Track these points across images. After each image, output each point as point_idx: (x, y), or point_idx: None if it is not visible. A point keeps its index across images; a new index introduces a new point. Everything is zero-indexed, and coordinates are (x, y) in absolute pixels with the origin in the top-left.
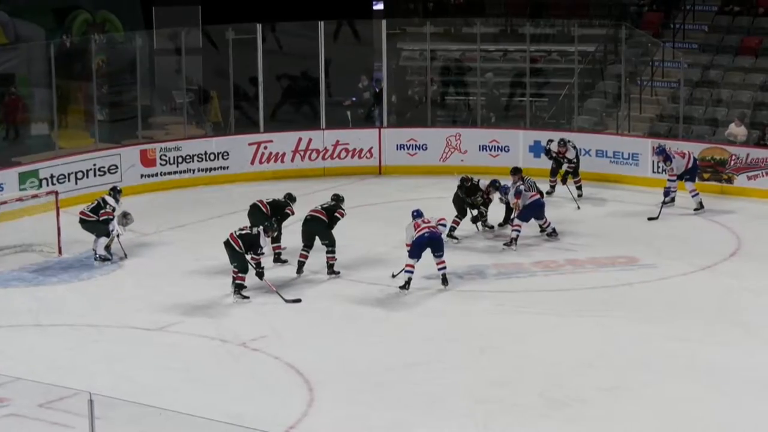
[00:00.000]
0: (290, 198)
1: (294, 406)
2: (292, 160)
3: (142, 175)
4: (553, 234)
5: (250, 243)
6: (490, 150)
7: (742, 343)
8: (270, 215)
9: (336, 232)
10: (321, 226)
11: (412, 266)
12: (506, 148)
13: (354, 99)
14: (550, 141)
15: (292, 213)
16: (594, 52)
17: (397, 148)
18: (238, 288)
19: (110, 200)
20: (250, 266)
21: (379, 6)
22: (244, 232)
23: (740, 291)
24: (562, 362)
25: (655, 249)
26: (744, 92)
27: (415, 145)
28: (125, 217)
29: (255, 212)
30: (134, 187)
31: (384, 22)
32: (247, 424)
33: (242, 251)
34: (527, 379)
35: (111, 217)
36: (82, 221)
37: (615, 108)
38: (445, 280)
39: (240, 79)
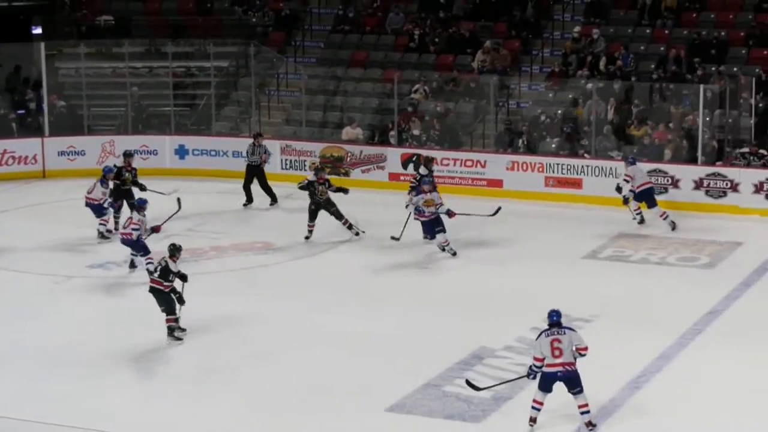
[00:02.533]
0: None
1: None
2: None
3: None
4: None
5: (165, 273)
6: (141, 153)
7: (362, 312)
8: None
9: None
10: None
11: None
12: (155, 152)
13: (20, 112)
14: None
15: None
16: (227, 66)
17: (59, 155)
18: (171, 330)
19: None
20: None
21: (38, 30)
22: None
23: (360, 268)
24: (214, 335)
25: (286, 234)
26: (356, 98)
27: (75, 151)
28: None
29: None
30: None
31: (42, 44)
32: None
33: (167, 290)
34: (184, 351)
35: None
36: None
37: (248, 114)
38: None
39: None
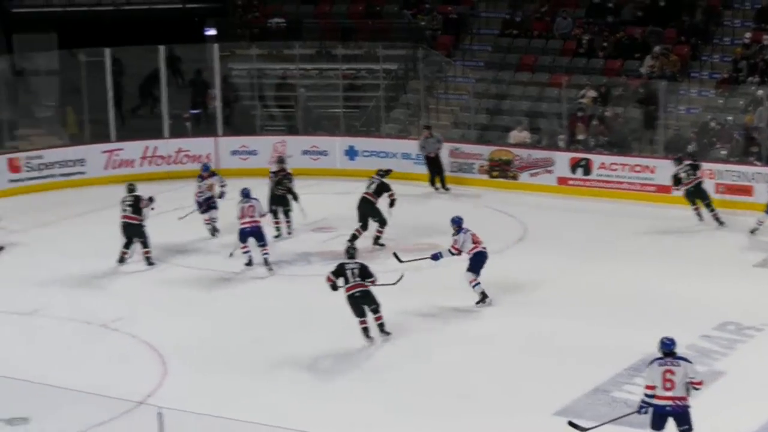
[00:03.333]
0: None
1: (150, 378)
2: (141, 165)
3: (9, 180)
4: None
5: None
6: (311, 154)
7: (528, 314)
8: None
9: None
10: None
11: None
12: (325, 153)
13: (192, 112)
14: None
15: None
16: (396, 69)
17: (231, 154)
18: (382, 327)
19: None
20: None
21: (212, 32)
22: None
23: (525, 271)
24: (375, 333)
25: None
26: (523, 102)
27: (247, 151)
28: None
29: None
30: (2, 191)
31: (216, 45)
32: (109, 395)
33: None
34: (347, 349)
35: None
36: None
37: (416, 117)
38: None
39: (91, 95)
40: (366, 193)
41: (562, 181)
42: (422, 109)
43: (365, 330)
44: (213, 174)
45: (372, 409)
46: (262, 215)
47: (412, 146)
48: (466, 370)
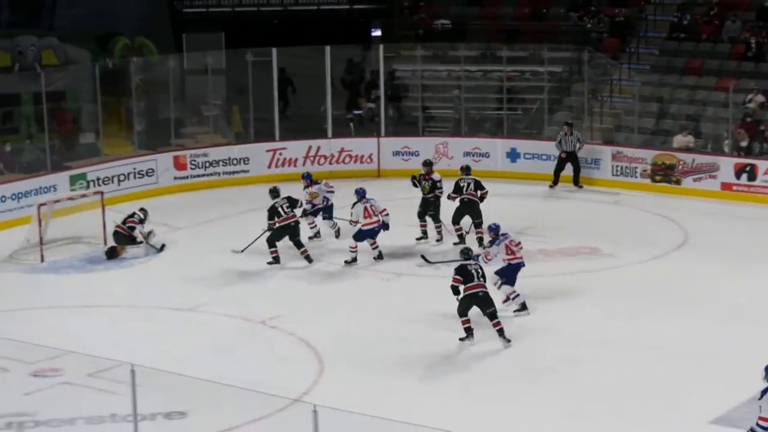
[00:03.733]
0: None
1: (307, 375)
2: (303, 164)
3: (174, 178)
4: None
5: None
6: (473, 156)
7: (687, 322)
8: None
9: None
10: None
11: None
12: (486, 154)
13: (355, 113)
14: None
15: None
16: (561, 72)
17: (393, 154)
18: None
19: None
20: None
21: (377, 33)
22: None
23: (685, 277)
24: (532, 337)
25: (613, 241)
26: (689, 107)
27: (409, 152)
28: (150, 234)
29: None
30: (168, 188)
31: (381, 46)
32: (266, 391)
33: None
34: (502, 351)
35: (135, 225)
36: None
37: (579, 120)
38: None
39: (257, 94)
40: (469, 193)
41: (726, 186)
42: (585, 112)
43: (469, 330)
44: (314, 182)
45: (527, 412)
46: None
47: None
48: (618, 376)
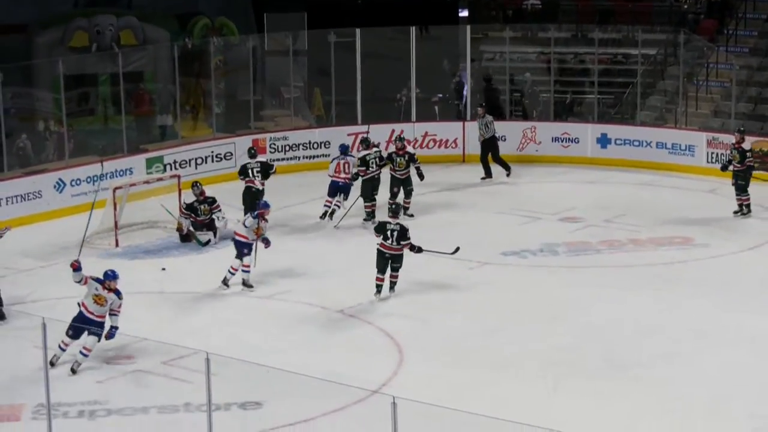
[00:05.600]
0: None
1: (386, 367)
2: (386, 148)
3: None
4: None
5: None
6: (562, 141)
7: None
8: None
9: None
10: None
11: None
12: (576, 140)
13: (440, 96)
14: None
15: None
16: (655, 54)
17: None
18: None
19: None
20: None
21: (464, 13)
22: None
23: None
24: (623, 331)
25: (708, 231)
26: None
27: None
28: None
29: None
30: None
31: (468, 27)
32: (344, 382)
33: None
34: (592, 345)
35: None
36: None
37: (674, 105)
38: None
39: (339, 76)
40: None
41: None
42: (680, 96)
43: (378, 287)
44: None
45: (619, 409)
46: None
47: (667, 135)
48: (715, 371)
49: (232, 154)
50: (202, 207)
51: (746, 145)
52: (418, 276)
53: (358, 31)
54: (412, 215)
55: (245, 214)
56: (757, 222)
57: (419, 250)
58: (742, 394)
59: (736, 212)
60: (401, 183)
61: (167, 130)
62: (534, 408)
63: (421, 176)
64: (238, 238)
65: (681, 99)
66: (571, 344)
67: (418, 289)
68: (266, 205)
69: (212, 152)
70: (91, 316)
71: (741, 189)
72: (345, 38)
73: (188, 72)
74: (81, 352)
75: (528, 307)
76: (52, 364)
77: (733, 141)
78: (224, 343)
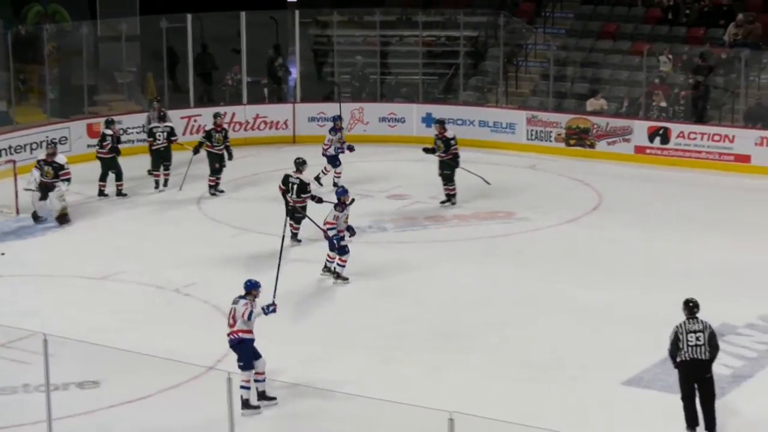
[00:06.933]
0: None
1: (221, 343)
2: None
3: (88, 146)
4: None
5: None
6: (389, 121)
7: (602, 284)
8: None
9: (261, 194)
10: None
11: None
12: (402, 120)
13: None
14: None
15: None
16: (477, 36)
17: (309, 120)
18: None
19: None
20: None
21: None
22: None
23: (600, 240)
24: (452, 303)
25: (529, 205)
26: (605, 70)
27: (324, 117)
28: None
29: None
30: (82, 155)
31: (297, 11)
32: (180, 359)
33: None
34: (423, 317)
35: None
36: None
37: (495, 85)
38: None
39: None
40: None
41: (639, 149)
42: (501, 76)
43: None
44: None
45: (450, 378)
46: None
47: (489, 114)
48: (536, 339)
49: (66, 139)
50: (46, 169)
51: (449, 134)
52: (254, 251)
53: (189, 16)
54: (221, 191)
55: None
56: (575, 195)
57: (319, 200)
58: (566, 359)
59: (443, 202)
60: (219, 159)
61: (1, 116)
62: (369, 379)
63: (230, 156)
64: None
65: (501, 79)
66: (402, 317)
67: (253, 264)
68: (345, 192)
69: (47, 137)
70: None
71: (447, 179)
72: (177, 23)
73: (22, 58)
74: None
75: (358, 283)
76: None
77: (435, 132)
78: (62, 324)
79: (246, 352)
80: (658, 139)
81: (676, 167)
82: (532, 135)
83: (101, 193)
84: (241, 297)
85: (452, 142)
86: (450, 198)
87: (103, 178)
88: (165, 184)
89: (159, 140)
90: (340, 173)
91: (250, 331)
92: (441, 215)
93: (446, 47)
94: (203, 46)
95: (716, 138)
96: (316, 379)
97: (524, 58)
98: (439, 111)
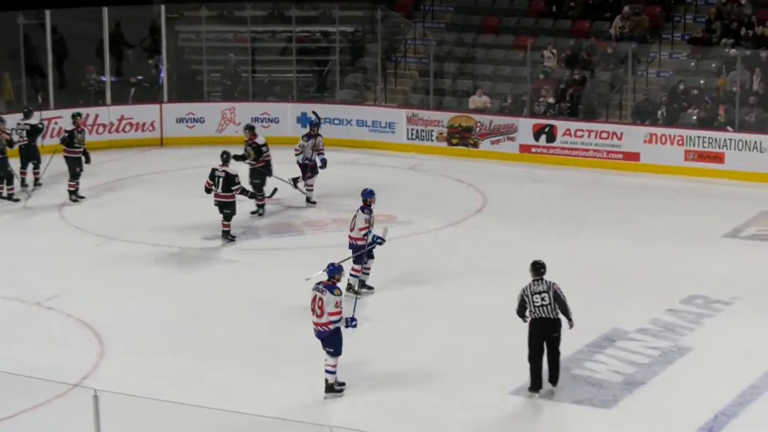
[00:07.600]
0: None
1: (87, 358)
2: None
3: None
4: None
5: None
6: (262, 121)
7: (487, 288)
8: None
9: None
10: None
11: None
12: (276, 120)
13: (140, 78)
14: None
15: None
16: (353, 32)
17: (177, 121)
18: None
19: None
20: None
21: None
22: None
23: (484, 243)
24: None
25: (410, 207)
26: (487, 66)
27: (194, 118)
28: None
29: None
30: None
31: (163, 7)
32: (44, 376)
33: None
34: (299, 328)
35: None
36: None
37: (373, 82)
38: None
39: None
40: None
41: (524, 148)
42: (379, 73)
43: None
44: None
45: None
46: None
47: (367, 113)
48: (424, 347)
49: None
50: None
51: (260, 140)
52: (119, 260)
53: (48, 12)
54: (82, 197)
55: None
56: (458, 197)
57: (252, 195)
58: (449, 366)
59: (253, 212)
60: (80, 162)
61: None
62: (244, 394)
63: (88, 159)
64: (356, 242)
65: (380, 76)
66: (279, 328)
67: (116, 278)
68: (371, 193)
69: None
70: None
71: (258, 188)
72: (35, 20)
73: None
74: None
75: (233, 291)
76: None
77: (245, 138)
78: None
79: (336, 338)
80: (543, 138)
81: (564, 166)
82: (412, 134)
83: None
84: (325, 286)
85: (264, 148)
86: (258, 209)
87: None
88: (35, 183)
89: (23, 138)
90: (311, 185)
91: (339, 314)
92: (320, 220)
93: (321, 43)
94: (57, 41)
95: (604, 135)
96: (187, 396)
97: (403, 55)
98: (315, 110)
